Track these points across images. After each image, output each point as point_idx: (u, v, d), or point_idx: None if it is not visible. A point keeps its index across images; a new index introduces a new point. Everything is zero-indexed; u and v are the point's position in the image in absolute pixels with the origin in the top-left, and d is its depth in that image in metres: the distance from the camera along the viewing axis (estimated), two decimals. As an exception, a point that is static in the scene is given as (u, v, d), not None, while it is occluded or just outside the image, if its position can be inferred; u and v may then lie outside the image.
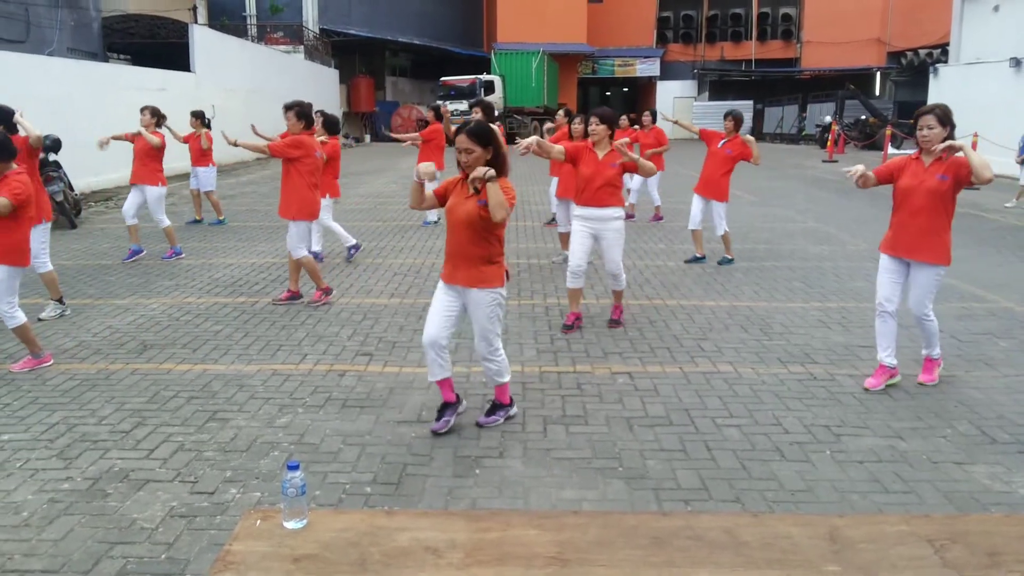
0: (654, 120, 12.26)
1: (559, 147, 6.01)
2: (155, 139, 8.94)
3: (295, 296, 7.33)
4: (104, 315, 6.92)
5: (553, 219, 10.83)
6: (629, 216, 12.40)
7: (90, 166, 9.05)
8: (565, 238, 8.81)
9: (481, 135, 4.13)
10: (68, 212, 11.63)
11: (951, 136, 4.85)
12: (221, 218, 12.26)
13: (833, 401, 4.96)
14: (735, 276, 8.46)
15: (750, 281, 8.23)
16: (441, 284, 4.43)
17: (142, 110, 9.22)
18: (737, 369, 5.56)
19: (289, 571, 2.03)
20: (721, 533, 2.20)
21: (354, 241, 9.39)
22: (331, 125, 9.24)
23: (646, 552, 2.11)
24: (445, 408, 4.54)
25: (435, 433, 4.44)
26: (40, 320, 6.67)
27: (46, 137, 11.53)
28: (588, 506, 3.70)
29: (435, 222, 12.16)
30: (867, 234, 11.12)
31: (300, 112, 7.01)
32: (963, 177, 4.76)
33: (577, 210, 6.38)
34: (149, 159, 9.04)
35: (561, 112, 10.96)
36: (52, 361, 5.66)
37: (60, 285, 7.04)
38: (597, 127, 6.19)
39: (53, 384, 5.26)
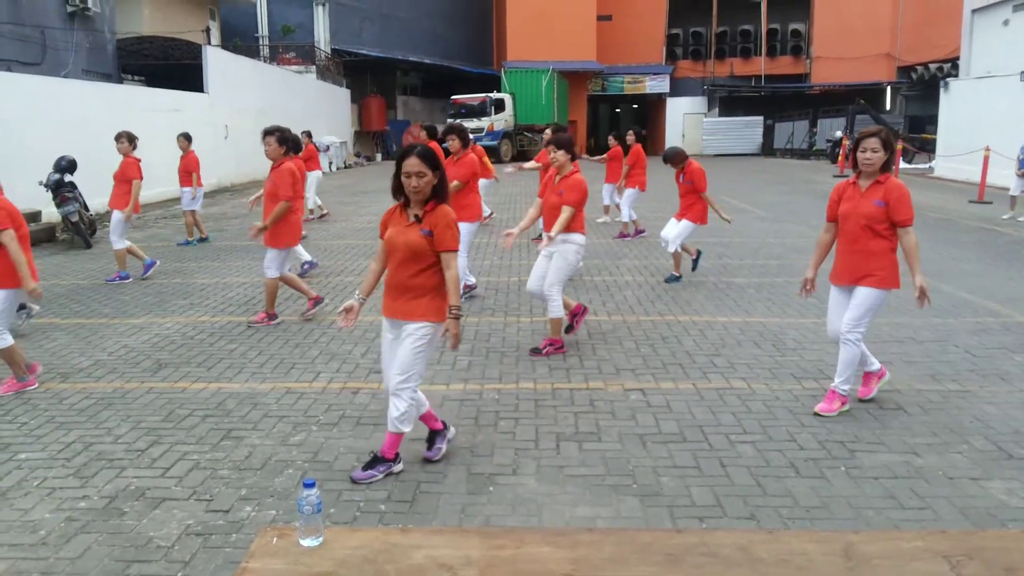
0: (638, 139, 12.48)
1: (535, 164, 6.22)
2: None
3: (272, 317, 7.35)
4: (119, 334, 6.98)
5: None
6: (639, 232, 12.42)
7: (105, 187, 9.16)
8: None
9: (432, 158, 3.95)
10: (83, 232, 11.74)
11: (891, 161, 4.79)
12: (190, 239, 12.30)
13: (848, 417, 4.94)
14: (747, 292, 8.45)
15: (762, 297, 8.22)
16: (384, 323, 4.19)
17: (118, 137, 9.34)
18: (751, 385, 5.54)
19: (305, 588, 2.04)
20: (736, 550, 2.19)
21: (309, 258, 9.59)
22: (293, 144, 9.13)
23: (661, 569, 2.11)
24: (435, 435, 4.39)
25: (429, 461, 4.32)
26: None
27: (62, 158, 11.69)
28: (602, 523, 3.70)
29: None
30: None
31: (282, 138, 7.04)
32: (897, 216, 4.71)
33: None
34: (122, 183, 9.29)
35: (548, 131, 11.06)
36: (36, 384, 5.62)
37: (75, 304, 7.11)
38: (556, 154, 6.20)
39: (69, 403, 5.30)
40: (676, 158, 8.86)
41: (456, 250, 3.97)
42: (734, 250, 11.20)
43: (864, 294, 4.85)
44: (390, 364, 4.10)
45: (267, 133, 7.03)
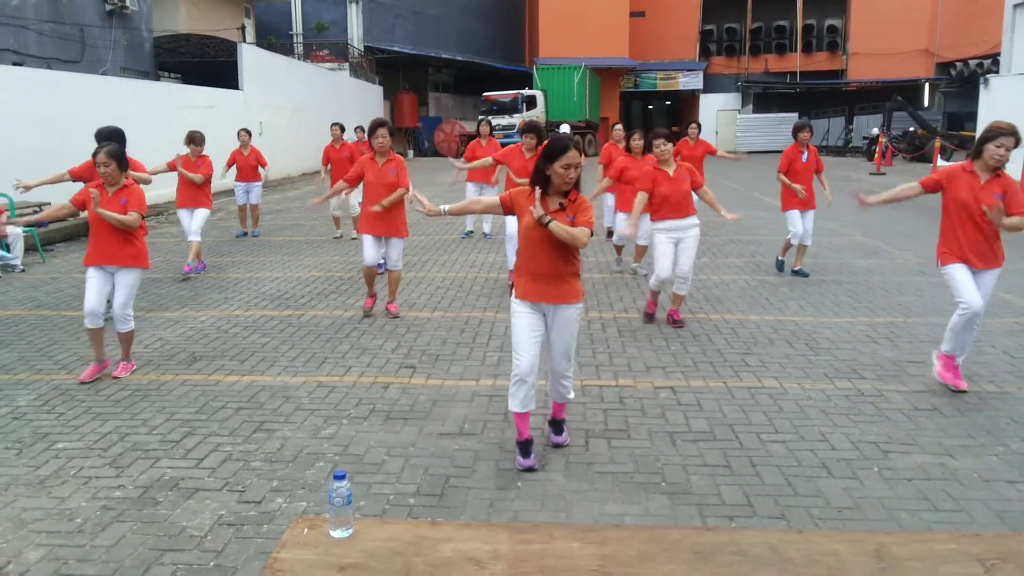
0: (700, 132, 11.68)
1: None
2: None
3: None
4: (155, 327, 7.09)
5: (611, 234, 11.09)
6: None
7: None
8: (642, 250, 9.26)
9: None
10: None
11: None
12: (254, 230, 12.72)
13: (881, 417, 4.88)
14: (780, 290, 8.37)
15: (796, 295, 8.14)
16: (524, 305, 4.15)
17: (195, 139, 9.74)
18: (783, 384, 5.49)
19: (335, 579, 2.06)
20: (766, 549, 2.18)
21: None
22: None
23: (690, 567, 2.10)
24: (529, 444, 4.23)
25: (531, 470, 4.17)
26: None
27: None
28: (631, 521, 3.69)
29: (470, 232, 12.30)
30: (917, 247, 10.93)
31: (391, 130, 7.27)
32: (1015, 208, 4.97)
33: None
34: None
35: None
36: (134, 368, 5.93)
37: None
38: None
39: (106, 394, 5.40)
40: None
41: (590, 228, 4.03)
42: (768, 248, 11.10)
43: (994, 276, 5.24)
44: (533, 343, 4.12)
45: (380, 125, 7.12)
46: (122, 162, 5.66)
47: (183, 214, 9.46)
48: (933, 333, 6.61)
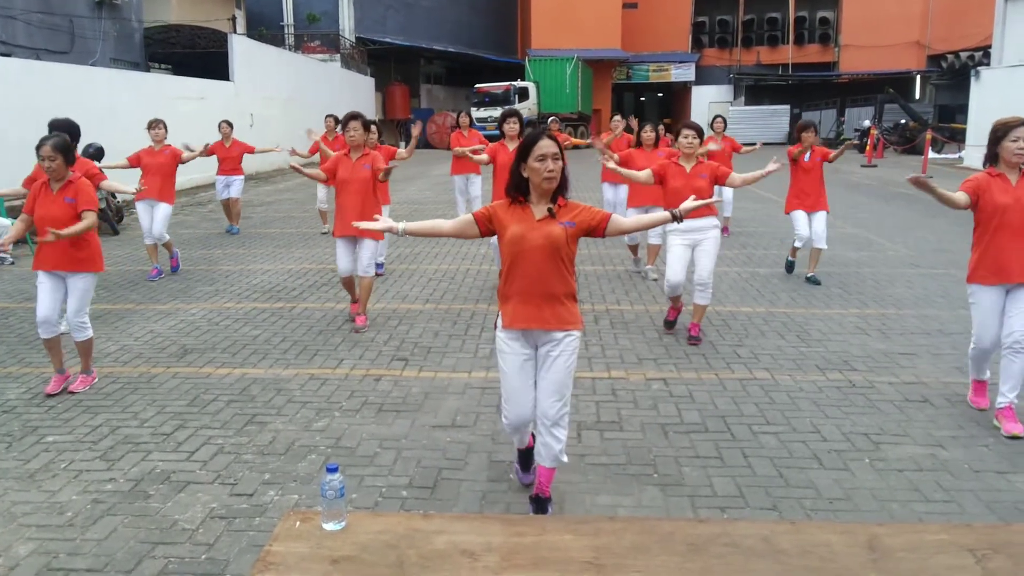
0: (725, 126, 11.19)
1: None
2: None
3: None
4: (146, 320, 7.05)
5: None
6: None
7: (132, 174, 9.25)
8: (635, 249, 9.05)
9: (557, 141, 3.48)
10: (110, 219, 11.90)
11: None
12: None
13: (872, 409, 4.90)
14: (772, 282, 8.38)
15: (787, 287, 8.15)
16: (512, 338, 3.53)
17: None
18: (774, 376, 5.51)
19: (328, 572, 2.06)
20: (758, 540, 2.18)
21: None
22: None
23: (682, 559, 2.11)
24: (531, 454, 3.82)
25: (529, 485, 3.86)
26: None
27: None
28: (623, 512, 3.69)
29: None
30: (908, 240, 10.97)
31: (365, 123, 6.72)
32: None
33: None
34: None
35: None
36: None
37: (101, 290, 7.20)
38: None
39: (96, 387, 5.37)
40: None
41: (601, 215, 3.49)
42: (758, 240, 11.12)
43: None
44: (527, 388, 3.54)
45: (353, 118, 6.58)
46: (69, 156, 5.12)
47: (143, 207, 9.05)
48: (924, 325, 6.65)
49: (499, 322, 3.57)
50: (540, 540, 2.18)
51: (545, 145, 3.33)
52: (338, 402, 5.07)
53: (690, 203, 3.81)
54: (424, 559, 2.10)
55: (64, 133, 5.40)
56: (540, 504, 3.61)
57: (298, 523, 2.27)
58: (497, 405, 4.92)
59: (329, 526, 2.22)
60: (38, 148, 5.03)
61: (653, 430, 4.60)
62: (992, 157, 4.62)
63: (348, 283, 6.91)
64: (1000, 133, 4.54)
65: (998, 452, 4.27)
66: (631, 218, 3.91)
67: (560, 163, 3.36)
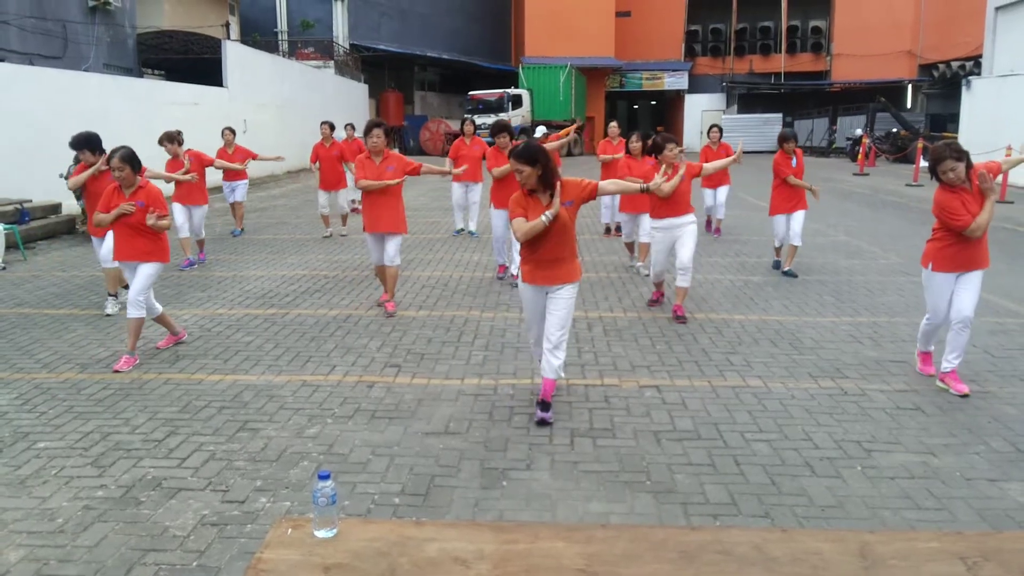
0: (721, 135, 11.80)
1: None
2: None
3: None
4: (138, 326, 7.02)
5: (608, 230, 12.27)
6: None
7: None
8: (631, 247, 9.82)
9: (526, 156, 4.60)
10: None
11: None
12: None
13: (864, 416, 4.91)
14: (765, 290, 8.40)
15: (780, 295, 8.18)
16: (529, 289, 4.90)
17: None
18: (767, 383, 5.52)
19: (319, 579, 2.05)
20: (750, 548, 2.18)
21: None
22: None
23: (674, 566, 2.10)
24: (548, 404, 4.86)
25: (547, 423, 4.77)
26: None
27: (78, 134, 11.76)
28: (615, 520, 3.69)
29: (461, 230, 12.32)
30: (899, 248, 11.01)
31: (387, 130, 7.51)
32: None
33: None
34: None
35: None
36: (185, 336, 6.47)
37: (93, 295, 7.18)
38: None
39: (88, 393, 5.35)
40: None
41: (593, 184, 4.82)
42: (752, 247, 11.14)
43: (980, 276, 5.35)
44: (540, 319, 4.96)
45: (376, 125, 7.32)
46: (135, 164, 5.93)
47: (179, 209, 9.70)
48: (916, 333, 6.65)
49: (521, 275, 4.98)
50: (532, 547, 2.18)
51: (515, 167, 4.64)
52: (330, 409, 5.06)
53: (660, 179, 5.51)
54: (416, 566, 2.09)
55: (127, 146, 6.07)
56: (544, 405, 4.84)
57: (290, 530, 2.26)
58: (490, 412, 4.94)
59: (321, 533, 2.22)
60: (108, 160, 5.99)
61: (646, 437, 4.60)
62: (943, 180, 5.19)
63: (380, 272, 7.68)
64: (934, 163, 5.18)
65: (989, 460, 4.29)
66: (612, 182, 5.38)
67: (527, 171, 4.59)
